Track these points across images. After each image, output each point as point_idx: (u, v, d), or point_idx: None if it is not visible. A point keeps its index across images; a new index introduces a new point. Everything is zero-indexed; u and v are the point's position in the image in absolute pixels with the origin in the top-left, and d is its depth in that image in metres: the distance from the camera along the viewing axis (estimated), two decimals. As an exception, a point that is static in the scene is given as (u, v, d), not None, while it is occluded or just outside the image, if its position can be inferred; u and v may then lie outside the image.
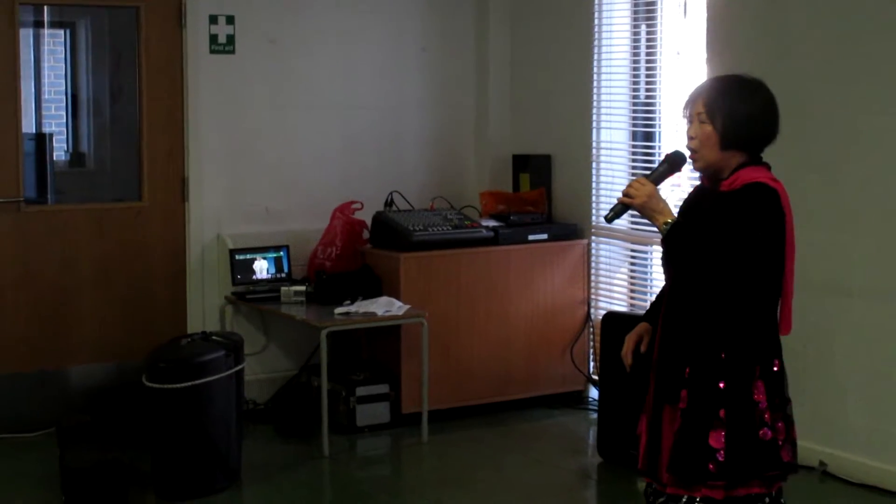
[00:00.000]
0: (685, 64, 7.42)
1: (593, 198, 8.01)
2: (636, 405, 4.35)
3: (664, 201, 3.99)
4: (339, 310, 7.12)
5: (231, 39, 7.75)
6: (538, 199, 8.08)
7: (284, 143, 7.96)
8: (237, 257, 7.61)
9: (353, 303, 7.21)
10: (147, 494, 6.24)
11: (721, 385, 3.93)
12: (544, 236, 7.90)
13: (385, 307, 7.14)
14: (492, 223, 7.85)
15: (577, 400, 7.98)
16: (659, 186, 4.09)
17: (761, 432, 3.93)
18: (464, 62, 8.54)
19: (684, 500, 4.02)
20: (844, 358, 6.41)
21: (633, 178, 7.64)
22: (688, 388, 3.99)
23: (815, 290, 6.26)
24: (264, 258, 7.68)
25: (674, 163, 4.17)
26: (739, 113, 3.96)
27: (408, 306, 7.21)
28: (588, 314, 8.00)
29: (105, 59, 7.49)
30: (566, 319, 7.95)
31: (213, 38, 7.69)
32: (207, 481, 6.26)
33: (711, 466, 3.93)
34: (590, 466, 6.94)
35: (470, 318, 7.63)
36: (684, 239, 3.94)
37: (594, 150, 7.98)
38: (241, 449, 6.49)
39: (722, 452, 3.92)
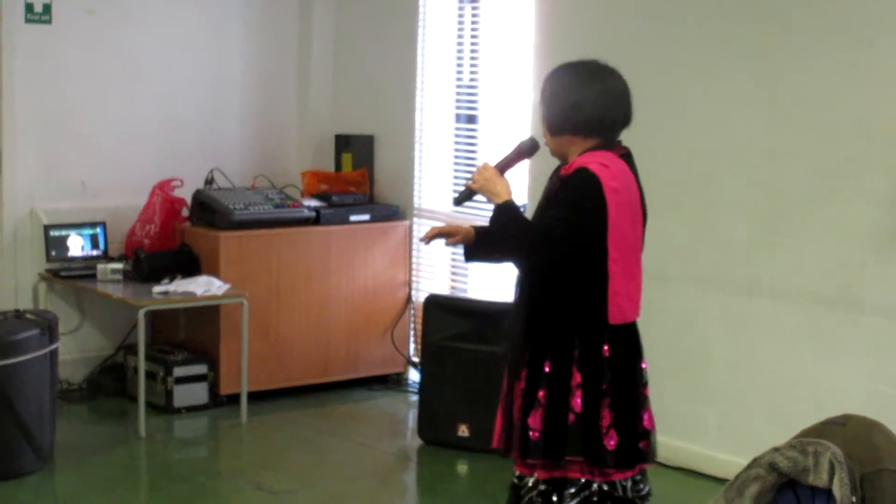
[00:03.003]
0: (512, 48, 7.46)
1: (416, 179, 8.01)
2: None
3: (504, 185, 3.99)
4: (157, 289, 7.01)
5: (47, 9, 7.53)
6: (360, 179, 8.05)
7: (103, 116, 7.77)
8: (52, 233, 7.42)
9: (171, 282, 7.10)
10: (-45, 477, 6.07)
11: (546, 367, 3.97)
12: (366, 217, 7.88)
13: (204, 287, 7.05)
14: (313, 203, 7.80)
15: (396, 382, 7.99)
16: (509, 171, 4.09)
17: (570, 417, 3.93)
18: (287, 38, 8.45)
19: (529, 480, 4.03)
20: (659, 342, 6.45)
21: (465, 160, 7.81)
22: (527, 368, 4.02)
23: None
24: (80, 234, 7.51)
25: (522, 150, 4.14)
26: (560, 99, 3.99)
27: (227, 286, 7.13)
28: (409, 296, 8.00)
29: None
30: (387, 301, 7.94)
31: (29, 7, 7.47)
32: (18, 463, 6.12)
33: (530, 445, 3.97)
34: (409, 448, 6.96)
35: (290, 298, 7.58)
36: (501, 221, 3.97)
37: (417, 132, 7.98)
38: (54, 430, 6.35)
39: (537, 432, 3.95)
